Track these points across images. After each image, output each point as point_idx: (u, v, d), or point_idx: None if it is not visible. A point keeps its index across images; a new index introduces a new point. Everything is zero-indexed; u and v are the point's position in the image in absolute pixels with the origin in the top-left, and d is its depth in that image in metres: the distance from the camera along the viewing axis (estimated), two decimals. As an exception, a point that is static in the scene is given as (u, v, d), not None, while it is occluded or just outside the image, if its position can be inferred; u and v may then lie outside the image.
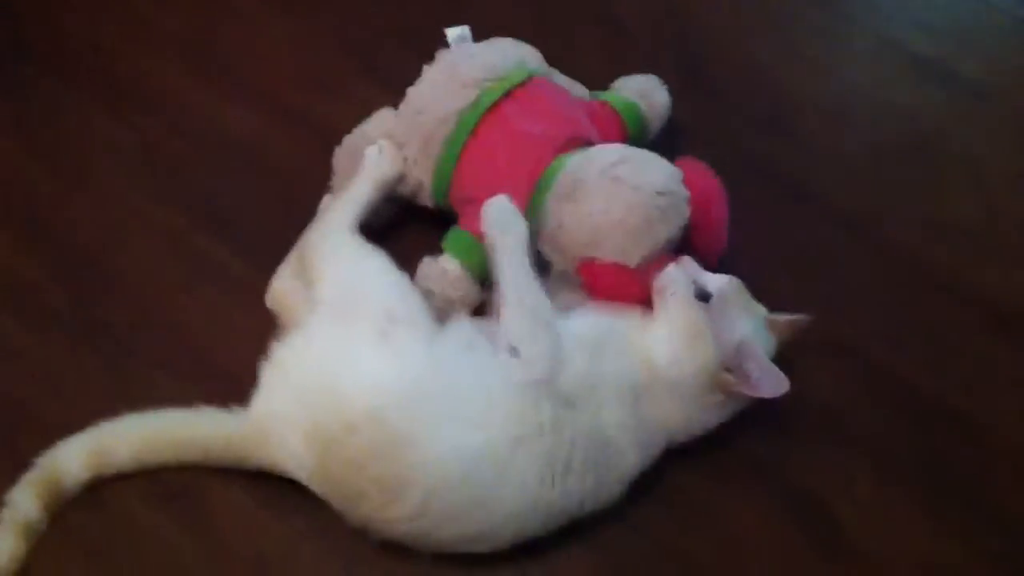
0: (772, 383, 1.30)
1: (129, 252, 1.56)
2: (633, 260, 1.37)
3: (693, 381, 1.32)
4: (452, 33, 1.62)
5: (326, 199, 1.55)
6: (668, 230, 1.37)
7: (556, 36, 1.71)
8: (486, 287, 1.44)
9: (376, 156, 1.48)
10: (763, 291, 1.44)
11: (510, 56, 1.52)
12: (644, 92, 1.60)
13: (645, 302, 1.39)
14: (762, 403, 1.33)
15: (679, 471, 1.39)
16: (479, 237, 1.42)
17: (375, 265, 1.36)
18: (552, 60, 1.60)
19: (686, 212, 1.39)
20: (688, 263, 1.38)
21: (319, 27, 1.79)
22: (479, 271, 1.44)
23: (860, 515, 1.40)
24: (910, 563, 1.37)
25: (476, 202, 1.44)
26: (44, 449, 1.33)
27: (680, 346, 1.33)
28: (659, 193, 1.37)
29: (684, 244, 1.43)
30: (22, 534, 1.29)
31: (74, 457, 1.33)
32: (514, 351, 1.30)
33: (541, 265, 1.42)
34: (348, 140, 1.57)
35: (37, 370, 1.45)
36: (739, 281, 1.38)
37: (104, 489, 1.36)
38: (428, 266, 1.45)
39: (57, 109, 1.70)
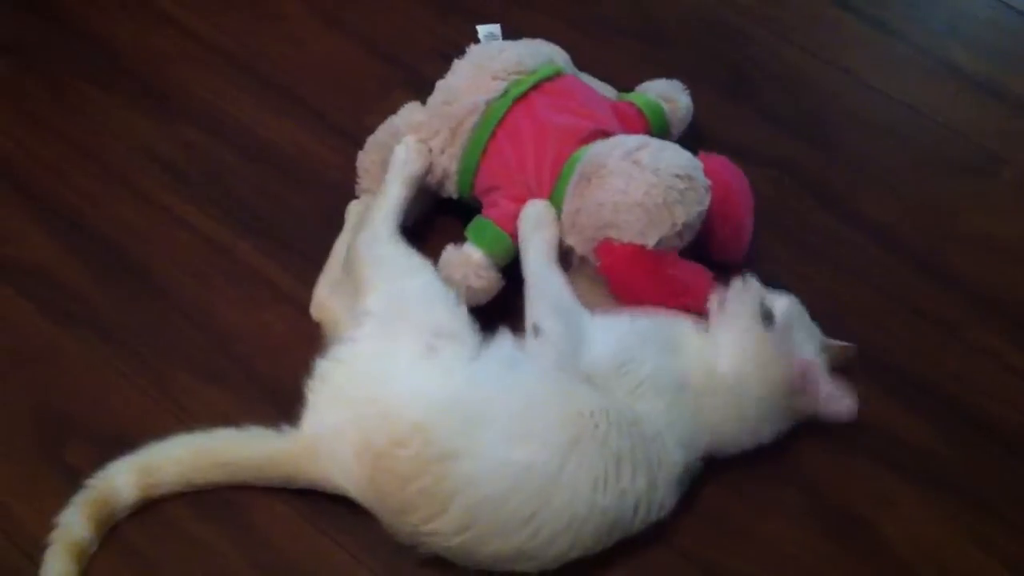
0: (841, 404, 1.34)
1: (172, 261, 1.58)
2: (651, 241, 1.38)
3: (759, 402, 1.35)
4: (483, 30, 1.69)
5: (352, 205, 1.58)
6: (686, 213, 1.39)
7: (593, 45, 1.74)
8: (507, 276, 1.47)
9: (403, 154, 1.50)
10: (791, 292, 1.46)
11: (539, 53, 1.56)
12: (667, 95, 1.62)
13: (660, 291, 1.41)
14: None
15: (718, 490, 1.40)
16: (502, 226, 1.46)
17: (424, 279, 1.39)
18: (588, 66, 1.62)
19: (705, 199, 1.41)
20: (752, 282, 1.40)
21: (363, 40, 1.81)
22: (501, 259, 1.47)
23: (903, 532, 1.39)
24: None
25: (501, 190, 1.48)
26: (91, 461, 1.35)
27: (751, 368, 1.35)
28: (678, 176, 1.39)
29: (705, 242, 1.47)
30: (74, 556, 1.29)
31: (124, 478, 1.33)
32: (536, 329, 1.34)
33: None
34: (372, 139, 1.60)
35: (81, 380, 1.46)
36: (798, 302, 1.40)
37: (152, 500, 1.37)
38: (451, 254, 1.47)
39: (104, 119, 1.72)
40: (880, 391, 1.49)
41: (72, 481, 1.34)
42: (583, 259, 1.45)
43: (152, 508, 1.36)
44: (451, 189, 1.54)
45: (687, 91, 1.63)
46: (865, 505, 1.41)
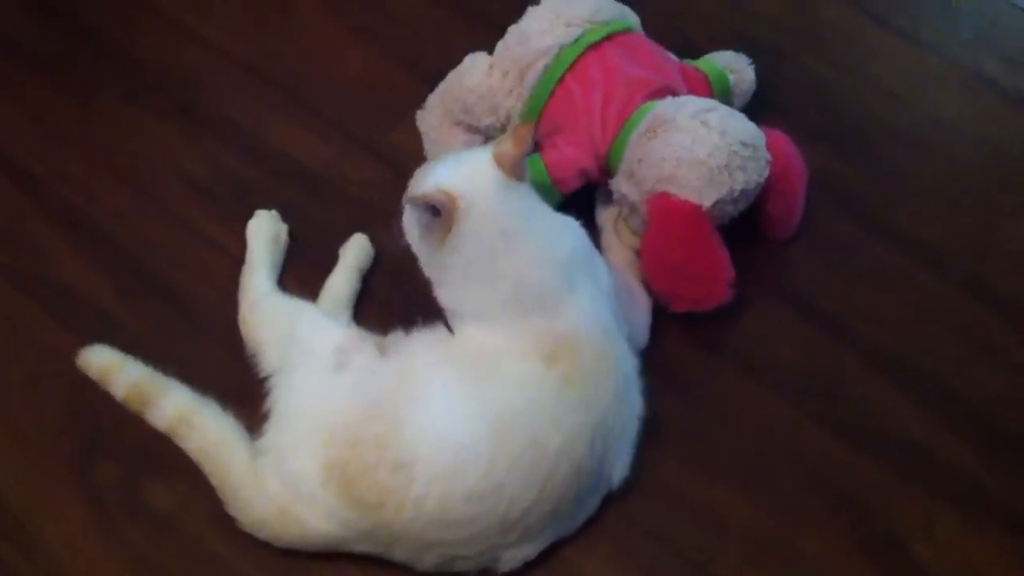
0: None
1: (198, 278, 1.56)
2: (707, 201, 1.41)
3: None
4: None
5: (352, 240, 1.56)
6: (745, 180, 1.42)
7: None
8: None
9: (256, 223, 1.56)
10: (830, 311, 1.53)
11: (614, 7, 1.59)
12: (733, 66, 1.65)
13: (695, 255, 1.44)
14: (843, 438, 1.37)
15: (756, 511, 1.39)
16: (555, 168, 1.49)
17: (306, 314, 1.44)
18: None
19: (765, 171, 1.44)
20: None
21: (390, 54, 1.81)
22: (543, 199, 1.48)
23: (939, 556, 1.36)
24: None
25: (562, 134, 1.51)
26: (117, 479, 1.39)
27: None
28: (743, 143, 1.42)
29: (755, 216, 1.51)
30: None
31: (126, 379, 1.42)
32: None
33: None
34: (433, 97, 1.64)
35: (106, 398, 1.42)
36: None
37: (175, 513, 1.38)
38: None
39: (130, 134, 1.71)
40: (918, 410, 1.47)
41: (96, 499, 1.37)
42: (631, 210, 1.48)
43: (171, 523, 1.37)
44: None
45: (752, 65, 1.66)
46: (900, 525, 1.39)
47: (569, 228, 1.38)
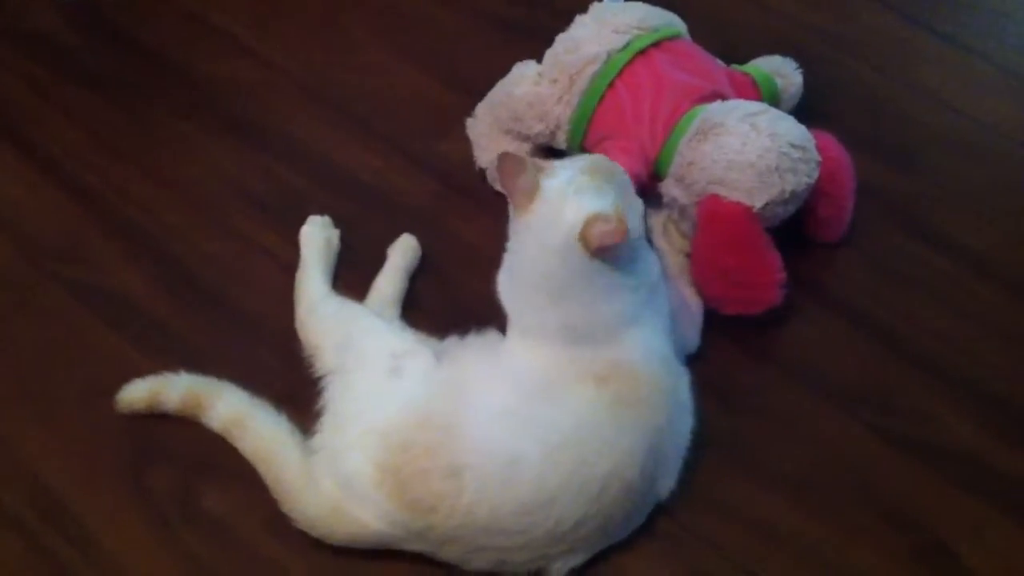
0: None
1: (254, 289, 1.58)
2: (758, 203, 1.41)
3: None
4: None
5: (400, 239, 1.58)
6: (796, 182, 1.42)
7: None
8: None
9: (309, 229, 1.58)
10: (881, 319, 1.53)
11: (662, 14, 1.60)
12: (780, 71, 1.66)
13: (745, 255, 1.44)
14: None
15: (806, 519, 1.38)
16: None
17: (363, 319, 1.46)
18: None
19: (814, 173, 1.45)
20: None
21: (436, 68, 1.83)
22: None
23: (990, 564, 1.35)
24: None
25: (612, 140, 1.51)
26: (171, 484, 1.41)
27: None
28: (793, 145, 1.42)
29: (805, 218, 1.52)
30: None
31: (174, 393, 1.43)
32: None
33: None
34: (483, 105, 1.66)
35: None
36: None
37: (229, 517, 1.39)
38: None
39: (189, 150, 1.75)
40: (970, 418, 1.46)
41: (151, 503, 1.39)
42: (681, 214, 1.49)
43: (225, 527, 1.39)
44: (562, 139, 1.58)
45: (800, 70, 1.67)
46: (951, 534, 1.37)
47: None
